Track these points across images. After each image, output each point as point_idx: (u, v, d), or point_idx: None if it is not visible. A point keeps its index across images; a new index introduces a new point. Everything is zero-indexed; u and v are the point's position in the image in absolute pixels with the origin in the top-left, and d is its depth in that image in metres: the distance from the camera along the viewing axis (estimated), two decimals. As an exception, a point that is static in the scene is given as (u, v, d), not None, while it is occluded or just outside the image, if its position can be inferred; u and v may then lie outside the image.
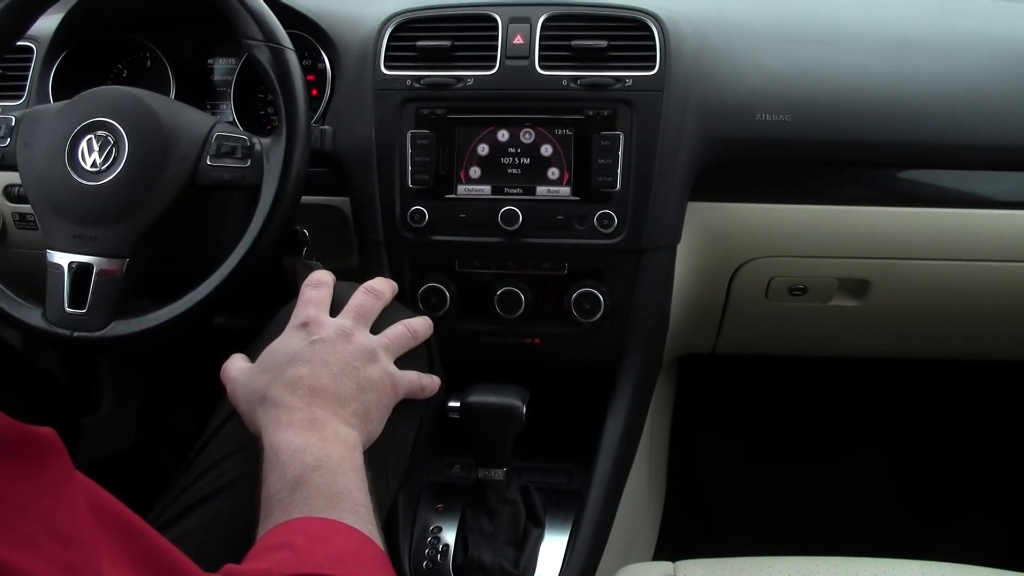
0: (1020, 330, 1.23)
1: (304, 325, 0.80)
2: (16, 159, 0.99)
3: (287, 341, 0.79)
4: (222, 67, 1.22)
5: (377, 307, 0.85)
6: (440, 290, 1.07)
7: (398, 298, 1.07)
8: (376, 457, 0.81)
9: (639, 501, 1.27)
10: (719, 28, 1.10)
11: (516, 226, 1.05)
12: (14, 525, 0.35)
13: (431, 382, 0.86)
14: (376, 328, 0.85)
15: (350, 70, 1.11)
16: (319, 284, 0.85)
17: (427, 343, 0.92)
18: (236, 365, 0.81)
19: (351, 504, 0.67)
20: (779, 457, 1.68)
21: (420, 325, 0.88)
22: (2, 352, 1.43)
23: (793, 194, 1.10)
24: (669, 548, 1.41)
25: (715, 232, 1.10)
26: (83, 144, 0.95)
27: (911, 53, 1.09)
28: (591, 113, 1.04)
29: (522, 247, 1.06)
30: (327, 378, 0.76)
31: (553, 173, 1.05)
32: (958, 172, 1.09)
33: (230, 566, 0.57)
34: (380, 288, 0.87)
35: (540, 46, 1.06)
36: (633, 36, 1.06)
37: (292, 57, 0.95)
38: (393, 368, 0.82)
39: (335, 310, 0.84)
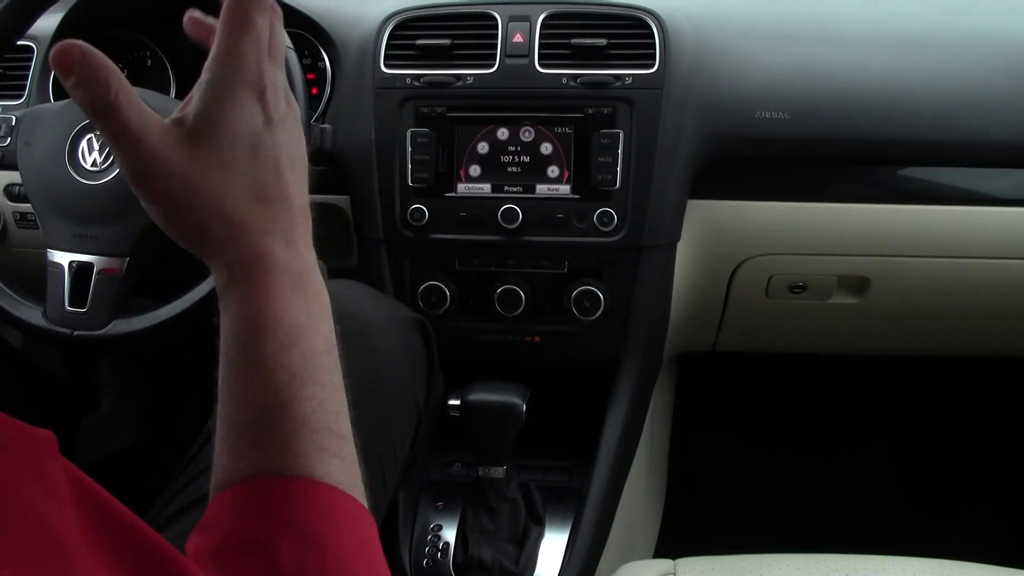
0: (1019, 327, 1.23)
1: (262, 92, 0.52)
2: (16, 158, 0.99)
3: (243, 115, 0.51)
4: (222, 66, 1.22)
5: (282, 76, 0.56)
6: (440, 288, 1.07)
7: (397, 296, 1.07)
8: (373, 456, 0.81)
9: (639, 499, 1.27)
10: (719, 26, 1.10)
11: (516, 224, 1.05)
12: (7, 530, 0.35)
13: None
14: (356, 334, 0.68)
15: (350, 69, 1.11)
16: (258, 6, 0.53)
17: (427, 343, 0.92)
18: (146, 122, 0.50)
19: (337, 441, 0.50)
20: (779, 455, 1.68)
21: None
22: (2, 351, 1.43)
23: (793, 192, 1.10)
24: (669, 546, 1.41)
25: (715, 230, 1.10)
26: (83, 143, 0.95)
27: (910, 51, 1.09)
28: (591, 111, 1.04)
29: (522, 245, 1.06)
30: (300, 187, 0.54)
31: (553, 171, 1.05)
32: (958, 169, 1.09)
33: (192, 556, 0.47)
34: (279, 46, 0.56)
35: (540, 44, 1.06)
36: (633, 34, 1.06)
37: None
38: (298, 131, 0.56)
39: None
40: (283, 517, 0.47)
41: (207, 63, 0.52)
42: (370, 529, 0.52)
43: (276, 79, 0.53)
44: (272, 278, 0.50)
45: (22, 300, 0.97)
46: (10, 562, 0.34)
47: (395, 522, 1.06)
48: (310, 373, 0.50)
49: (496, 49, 1.06)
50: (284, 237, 0.51)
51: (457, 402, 0.99)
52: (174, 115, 0.51)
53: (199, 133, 0.50)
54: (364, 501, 0.53)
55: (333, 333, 0.52)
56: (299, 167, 0.53)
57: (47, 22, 1.11)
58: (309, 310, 0.50)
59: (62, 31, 1.16)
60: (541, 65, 1.05)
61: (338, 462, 0.50)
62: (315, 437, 0.49)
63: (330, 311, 0.53)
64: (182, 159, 0.49)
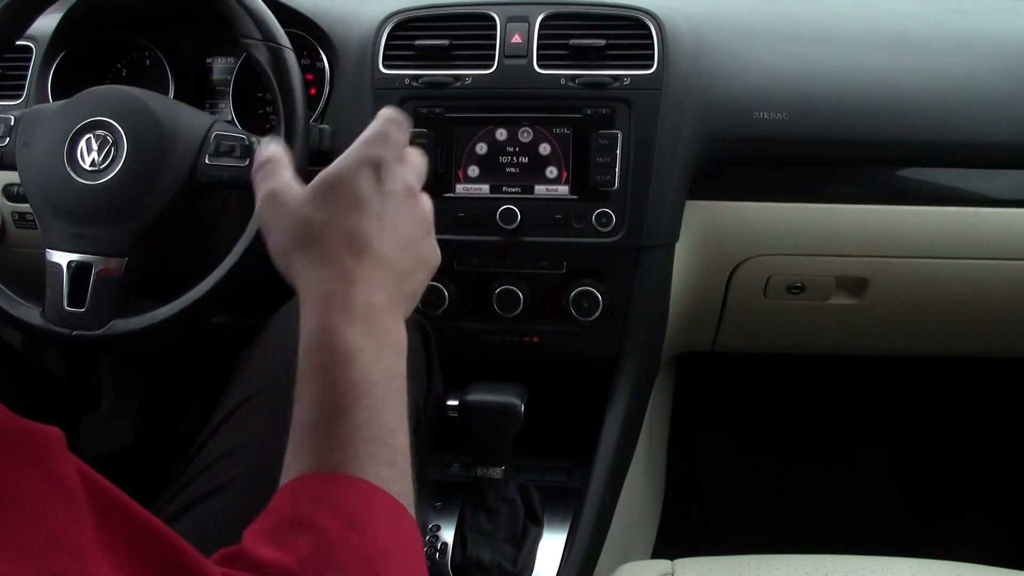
0: (1018, 328, 1.23)
1: (377, 167, 0.61)
2: (15, 158, 0.99)
3: (353, 179, 0.60)
4: (221, 66, 1.22)
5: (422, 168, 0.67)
6: (439, 289, 1.07)
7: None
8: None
9: (638, 499, 1.27)
10: (717, 27, 1.10)
11: (514, 225, 1.05)
12: (12, 529, 0.35)
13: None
14: None
15: (348, 69, 1.11)
16: (399, 126, 0.64)
17: (426, 343, 0.92)
18: (285, 181, 0.63)
19: (390, 452, 0.56)
20: (778, 455, 1.68)
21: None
22: (2, 351, 1.43)
23: (791, 192, 1.10)
24: (668, 546, 1.41)
25: (713, 230, 1.11)
26: (82, 143, 0.95)
27: (909, 51, 1.09)
28: (589, 112, 1.04)
29: (520, 246, 1.06)
30: (394, 246, 0.60)
31: (551, 172, 1.05)
32: (956, 170, 1.09)
33: (248, 538, 0.51)
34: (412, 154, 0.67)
35: (538, 45, 1.06)
36: (631, 35, 1.06)
37: (290, 56, 0.95)
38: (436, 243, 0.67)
39: None
40: (333, 504, 0.52)
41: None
42: (413, 533, 0.57)
43: (395, 168, 0.63)
44: (334, 309, 0.57)
45: (21, 300, 0.97)
46: (14, 562, 0.34)
47: (394, 522, 1.06)
48: (367, 390, 0.55)
49: (494, 50, 1.07)
50: (364, 282, 0.58)
51: (456, 402, 0.99)
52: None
53: (321, 184, 0.61)
54: (412, 512, 0.57)
55: (397, 364, 0.59)
56: (400, 233, 0.61)
57: (46, 22, 1.12)
58: (372, 339, 0.57)
59: (61, 31, 1.17)
60: (539, 66, 1.05)
61: (388, 470, 0.55)
62: (368, 444, 0.55)
63: (399, 349, 0.60)
64: (307, 203, 0.61)
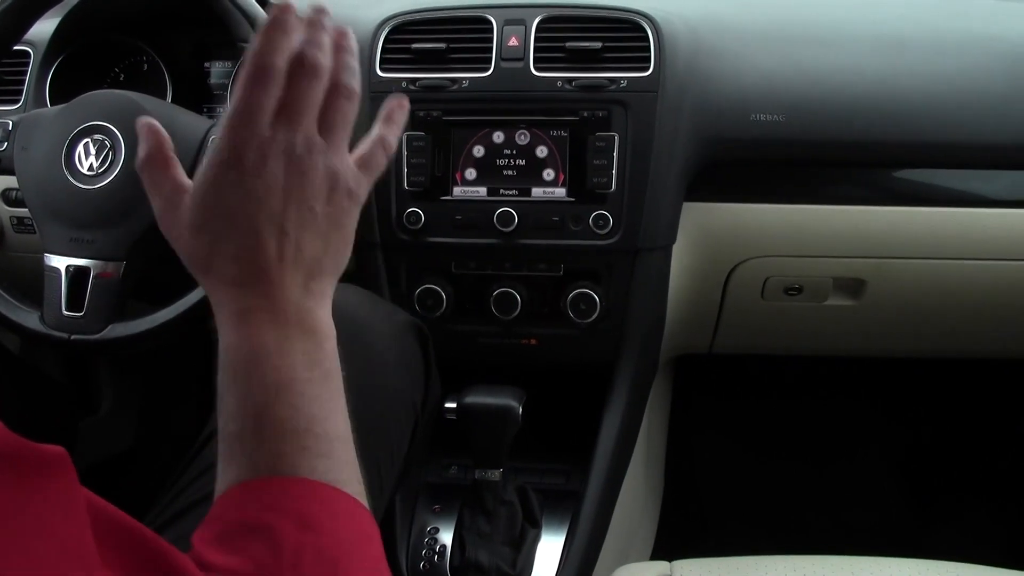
0: (1016, 328, 1.23)
1: (227, 158, 0.55)
2: (13, 163, 0.99)
3: (216, 181, 0.55)
4: (219, 70, 1.22)
5: (316, 91, 0.57)
6: (436, 291, 1.08)
7: (394, 299, 1.07)
8: (370, 459, 0.81)
9: (636, 501, 1.27)
10: (713, 29, 1.10)
11: (512, 227, 1.05)
12: (17, 543, 0.35)
13: (387, 139, 0.64)
14: (351, 339, 0.65)
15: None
16: (311, 69, 0.56)
17: (424, 346, 0.92)
18: (172, 189, 0.58)
19: (323, 442, 0.53)
20: (776, 457, 1.68)
21: (343, 69, 0.59)
22: (1, 356, 1.43)
23: (788, 194, 1.10)
24: (666, 548, 1.41)
25: (710, 232, 1.11)
26: (80, 148, 0.95)
27: (905, 52, 1.09)
28: (586, 114, 1.04)
29: (518, 248, 1.07)
30: (283, 233, 0.55)
31: (548, 174, 1.06)
32: (953, 171, 1.10)
33: (197, 544, 0.49)
34: (313, 58, 0.56)
35: (535, 48, 1.06)
36: (627, 37, 1.06)
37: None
38: (348, 170, 0.59)
39: None
40: (280, 506, 0.51)
41: None
42: (367, 523, 0.55)
43: (282, 143, 0.55)
44: (235, 319, 0.55)
45: (19, 304, 0.97)
46: (28, 571, 0.34)
47: (392, 525, 1.06)
48: (285, 385, 0.53)
49: (491, 52, 1.07)
50: (261, 292, 0.55)
51: (454, 405, 0.99)
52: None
53: (192, 201, 0.56)
54: (363, 499, 0.55)
55: (316, 350, 0.56)
56: (293, 214, 0.56)
57: (44, 26, 1.12)
58: (279, 334, 0.55)
59: (59, 36, 1.17)
60: (536, 68, 1.06)
61: (323, 461, 0.53)
62: (296, 440, 0.53)
63: (318, 334, 0.56)
64: (182, 218, 0.57)
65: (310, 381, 0.54)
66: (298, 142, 0.56)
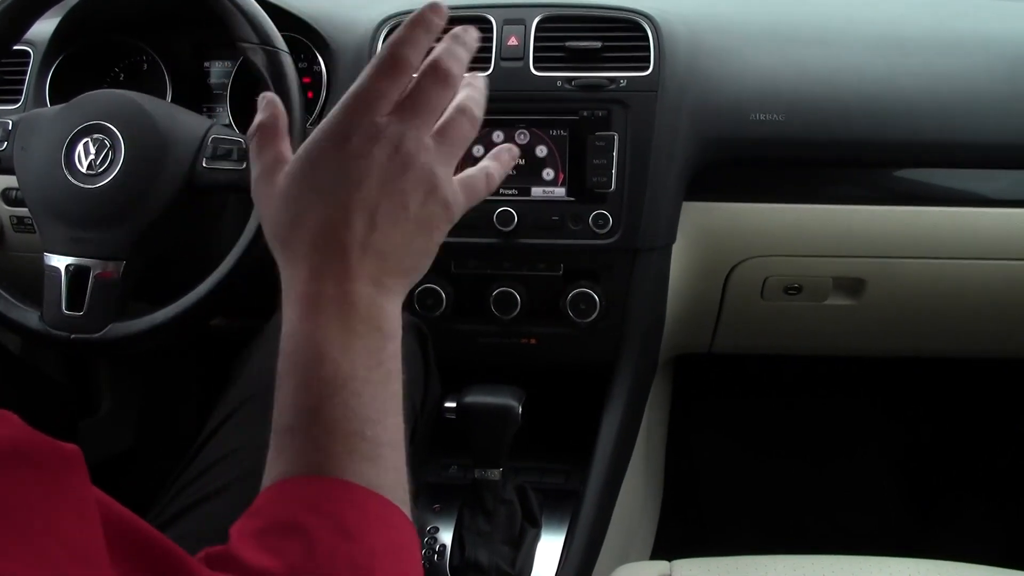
0: (1016, 328, 1.23)
1: (334, 136, 0.55)
2: (13, 163, 0.99)
3: (318, 155, 0.55)
4: (218, 70, 1.22)
5: (443, 98, 0.58)
6: (436, 291, 1.08)
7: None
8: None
9: (636, 501, 1.27)
10: (713, 28, 1.11)
11: (511, 227, 1.05)
12: (32, 540, 0.35)
13: (492, 173, 0.65)
14: None
15: (346, 72, 1.11)
16: (391, 66, 0.55)
17: (423, 345, 0.92)
18: (275, 157, 0.59)
19: (371, 446, 0.53)
20: (776, 456, 1.68)
21: (474, 102, 0.61)
22: (0, 355, 1.43)
23: (788, 193, 1.10)
24: (666, 547, 1.41)
25: (710, 232, 1.11)
26: (80, 147, 0.96)
27: (905, 52, 1.09)
28: (586, 114, 1.04)
29: (518, 248, 1.07)
30: (377, 230, 0.55)
31: (548, 174, 1.06)
32: (952, 171, 1.10)
33: (235, 539, 0.49)
34: (461, 44, 0.59)
35: (534, 47, 1.06)
36: (627, 37, 1.06)
37: (287, 60, 0.96)
38: (450, 190, 0.59)
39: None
40: (320, 508, 0.51)
41: None
42: (406, 533, 0.55)
43: (393, 135, 0.55)
44: (304, 308, 0.54)
45: (19, 304, 0.97)
46: (32, 566, 0.34)
47: (392, 524, 1.06)
48: (341, 384, 0.53)
49: (491, 52, 1.07)
50: (335, 277, 0.54)
51: (453, 404, 0.99)
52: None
53: (298, 159, 0.56)
54: (405, 508, 0.55)
55: (380, 350, 0.55)
56: (390, 213, 0.55)
57: (43, 26, 1.12)
58: (344, 332, 0.54)
59: (59, 35, 1.17)
60: (536, 68, 1.06)
61: (370, 465, 0.53)
62: (345, 441, 0.52)
63: (383, 334, 0.56)
64: (276, 187, 0.57)
65: (368, 382, 0.54)
66: (408, 137, 0.55)
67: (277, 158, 0.58)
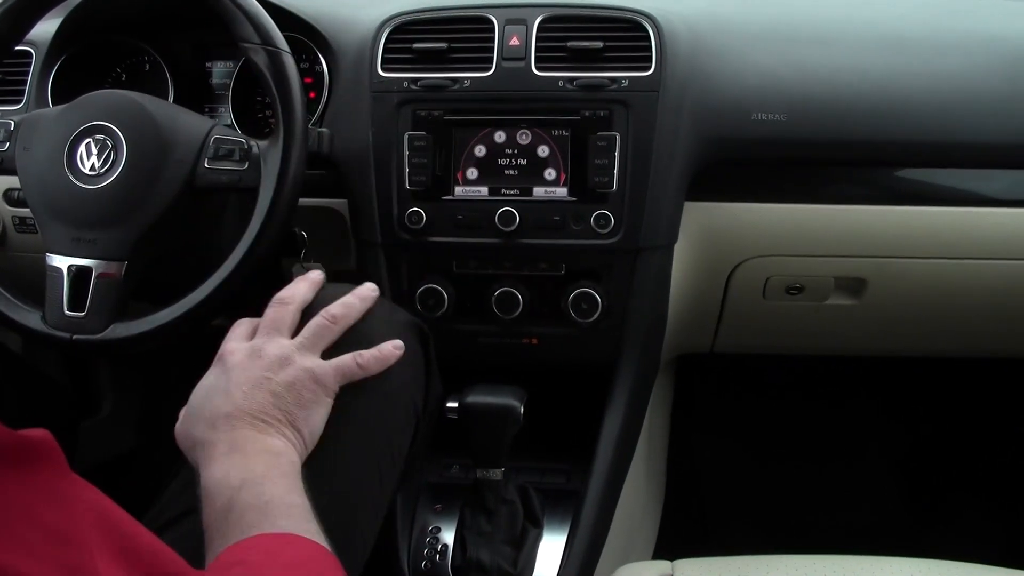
0: (1016, 328, 1.23)
1: (220, 358, 0.81)
2: (15, 163, 0.99)
3: (204, 379, 0.80)
4: (220, 70, 1.23)
5: (286, 315, 0.83)
6: (438, 291, 1.08)
7: (395, 299, 1.07)
8: (371, 460, 0.82)
9: (637, 500, 1.27)
10: (714, 28, 1.10)
11: (513, 227, 1.05)
12: (12, 529, 0.36)
13: (376, 353, 0.82)
14: (354, 338, 0.84)
15: (347, 73, 1.11)
16: (280, 302, 0.84)
17: (425, 345, 0.93)
18: (180, 415, 0.82)
19: (283, 508, 0.67)
20: (778, 456, 1.68)
21: (338, 310, 0.84)
22: (2, 355, 1.43)
23: (789, 193, 1.10)
24: (667, 547, 1.41)
25: (712, 232, 1.11)
26: (82, 148, 0.96)
27: (906, 52, 1.09)
28: (587, 114, 1.04)
29: (519, 248, 1.07)
30: (240, 399, 0.76)
31: (550, 174, 1.06)
32: (953, 170, 1.10)
33: None
34: (288, 295, 0.85)
35: (536, 47, 1.06)
36: (629, 37, 1.06)
37: (289, 60, 0.96)
38: (311, 362, 0.79)
39: (314, 311, 0.84)
40: (254, 547, 0.64)
41: None
42: (322, 557, 0.66)
43: (230, 346, 0.82)
44: (208, 463, 0.73)
45: (21, 304, 0.98)
46: (27, 557, 0.35)
47: (394, 524, 1.06)
48: (251, 481, 0.70)
49: (493, 52, 1.07)
50: (228, 442, 0.74)
51: (455, 404, 0.99)
52: None
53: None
54: (321, 540, 0.67)
55: (276, 459, 0.73)
56: (259, 385, 0.78)
57: (45, 27, 1.12)
58: (233, 468, 0.72)
59: (60, 36, 1.17)
60: (538, 68, 1.06)
61: (284, 520, 0.67)
62: (260, 511, 0.67)
63: (267, 455, 0.73)
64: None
65: (268, 477, 0.70)
66: (257, 343, 0.81)
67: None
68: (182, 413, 0.81)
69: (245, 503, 0.67)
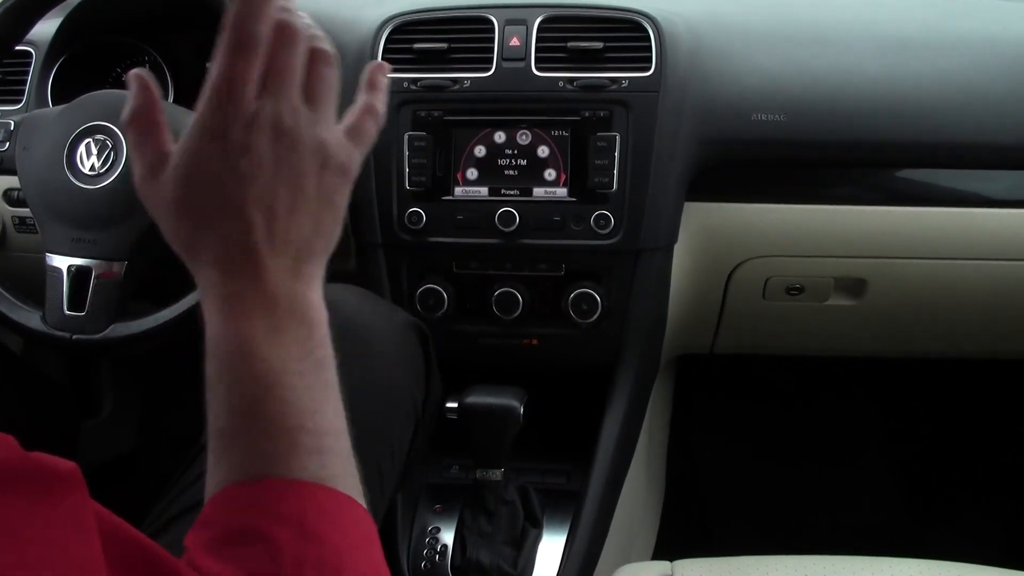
0: (1017, 329, 1.23)
1: (210, 133, 0.53)
2: (15, 163, 0.99)
3: (199, 156, 0.53)
4: (220, 70, 1.22)
5: (295, 55, 0.54)
6: (438, 291, 1.08)
7: (395, 299, 1.07)
8: (371, 460, 0.81)
9: (637, 501, 1.27)
10: (715, 29, 1.11)
11: (513, 227, 1.05)
12: (28, 558, 0.35)
13: (374, 105, 0.61)
14: (354, 339, 0.69)
15: (347, 72, 1.10)
16: (243, 45, 0.53)
17: (425, 346, 0.93)
18: (155, 157, 0.55)
19: (314, 438, 0.52)
20: (778, 457, 1.68)
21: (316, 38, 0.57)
22: (2, 356, 1.43)
23: (789, 194, 1.10)
24: (668, 548, 1.41)
25: (712, 232, 1.11)
26: (82, 148, 0.96)
27: (906, 53, 1.09)
28: (587, 114, 1.04)
29: (519, 248, 1.07)
30: (270, 216, 0.53)
31: (550, 174, 1.06)
32: (954, 171, 1.10)
33: (191, 549, 0.48)
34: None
35: (536, 48, 1.06)
36: (629, 37, 1.06)
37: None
38: (342, 147, 0.56)
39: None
40: (276, 511, 0.49)
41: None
42: (366, 525, 0.53)
43: (268, 116, 0.52)
44: (220, 306, 0.52)
45: (21, 304, 0.97)
46: None
47: (393, 525, 1.06)
48: (274, 379, 0.51)
49: (493, 52, 1.07)
50: (248, 277, 0.52)
51: (455, 405, 0.99)
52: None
53: (174, 175, 0.53)
54: (358, 496, 0.53)
55: (308, 339, 0.54)
56: (276, 195, 0.53)
57: (45, 27, 1.12)
58: (269, 324, 0.52)
59: (61, 36, 1.17)
60: (538, 68, 1.06)
61: (316, 457, 0.51)
62: (288, 436, 0.51)
63: (310, 321, 0.54)
64: (164, 191, 0.54)
65: (301, 373, 0.52)
66: (285, 113, 0.52)
67: (159, 156, 0.55)
68: (169, 186, 0.54)
69: (270, 417, 0.51)
